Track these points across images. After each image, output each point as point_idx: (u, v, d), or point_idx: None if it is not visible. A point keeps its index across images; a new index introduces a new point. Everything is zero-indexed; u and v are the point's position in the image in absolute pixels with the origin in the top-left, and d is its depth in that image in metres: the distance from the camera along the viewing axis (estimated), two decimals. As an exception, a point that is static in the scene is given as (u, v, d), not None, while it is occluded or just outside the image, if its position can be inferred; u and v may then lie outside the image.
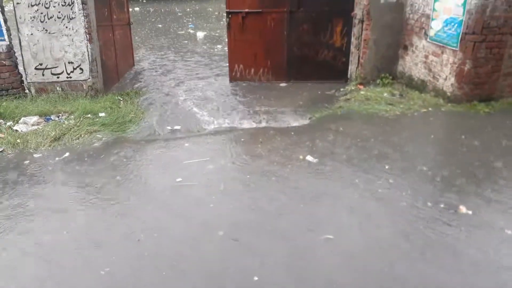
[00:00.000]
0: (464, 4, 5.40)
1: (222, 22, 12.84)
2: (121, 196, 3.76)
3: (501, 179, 3.85)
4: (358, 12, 6.64)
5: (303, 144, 4.75)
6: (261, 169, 4.18)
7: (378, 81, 6.75)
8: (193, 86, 7.40)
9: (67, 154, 4.69)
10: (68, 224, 3.34)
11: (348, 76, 7.17)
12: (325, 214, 3.39)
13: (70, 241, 3.14)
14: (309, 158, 4.38)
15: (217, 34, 11.87)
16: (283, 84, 7.33)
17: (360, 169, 4.12)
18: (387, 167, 4.14)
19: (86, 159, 4.55)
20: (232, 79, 7.48)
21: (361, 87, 6.67)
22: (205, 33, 11.99)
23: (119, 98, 6.46)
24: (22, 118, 5.53)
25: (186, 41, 11.40)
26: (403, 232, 3.13)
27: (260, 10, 6.98)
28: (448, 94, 5.80)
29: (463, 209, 3.40)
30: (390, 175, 3.98)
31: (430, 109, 5.71)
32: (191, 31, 12.28)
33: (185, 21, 14.21)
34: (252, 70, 7.40)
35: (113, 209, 3.55)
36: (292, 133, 5.15)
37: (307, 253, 2.92)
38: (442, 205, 3.46)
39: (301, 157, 4.42)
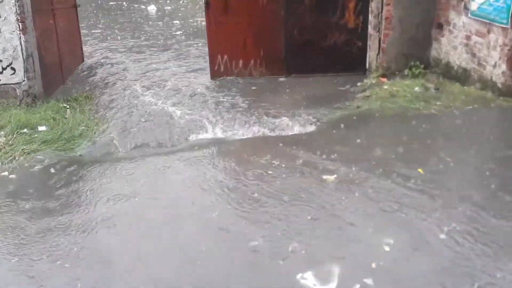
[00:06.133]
0: (516, -32, 5.41)
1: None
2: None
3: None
4: (376, -18, 6.72)
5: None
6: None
7: (406, 71, 6.84)
8: (161, 84, 7.52)
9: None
10: None
11: (367, 66, 7.28)
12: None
13: None
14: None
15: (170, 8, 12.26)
16: (281, 79, 7.41)
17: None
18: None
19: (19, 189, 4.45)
20: (215, 74, 7.49)
21: (384, 79, 6.77)
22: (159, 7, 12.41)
23: (65, 105, 6.46)
24: None
25: (142, 20, 11.60)
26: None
27: (249, -16, 7.03)
28: (499, 85, 5.82)
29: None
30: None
31: (475, 105, 5.76)
32: (143, 6, 12.67)
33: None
34: (240, 62, 7.46)
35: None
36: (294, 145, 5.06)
37: None
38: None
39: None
